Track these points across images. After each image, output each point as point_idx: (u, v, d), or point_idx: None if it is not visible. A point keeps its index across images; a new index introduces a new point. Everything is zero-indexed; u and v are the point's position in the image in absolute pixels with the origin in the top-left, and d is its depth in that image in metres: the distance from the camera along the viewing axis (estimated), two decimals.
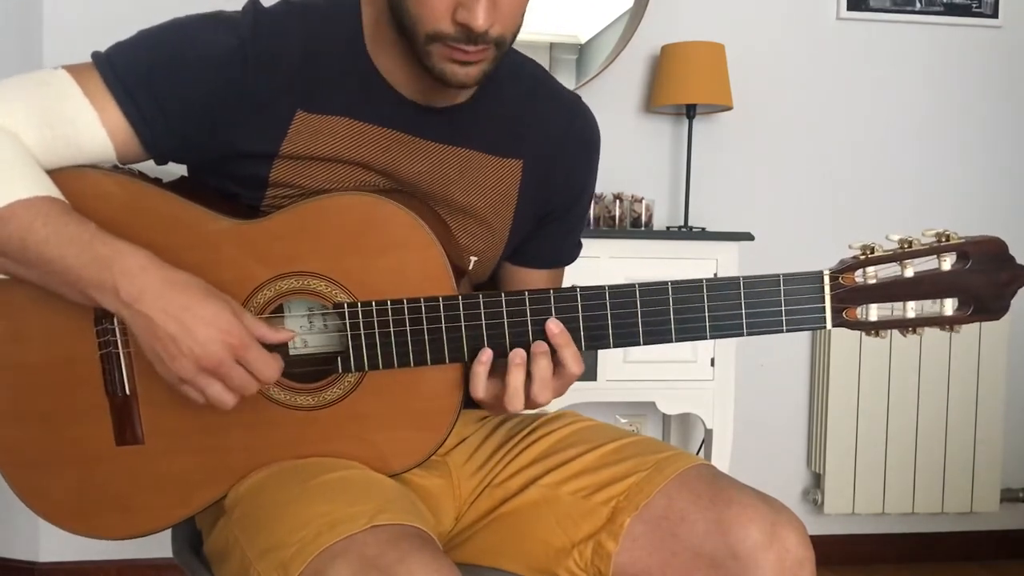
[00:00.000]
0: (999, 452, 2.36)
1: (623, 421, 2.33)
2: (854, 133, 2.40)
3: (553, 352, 0.89)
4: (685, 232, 2.14)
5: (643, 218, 2.17)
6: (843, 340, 2.31)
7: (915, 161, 2.42)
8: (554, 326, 0.88)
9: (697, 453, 2.15)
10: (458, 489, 1.02)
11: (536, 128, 1.02)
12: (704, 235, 2.10)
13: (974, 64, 2.43)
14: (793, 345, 2.41)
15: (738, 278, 0.86)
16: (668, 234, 2.14)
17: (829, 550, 2.35)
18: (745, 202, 2.36)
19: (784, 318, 0.86)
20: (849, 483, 2.33)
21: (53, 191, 0.86)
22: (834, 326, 0.85)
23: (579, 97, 1.08)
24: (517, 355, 0.89)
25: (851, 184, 2.40)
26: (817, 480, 2.41)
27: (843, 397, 2.32)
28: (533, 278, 1.10)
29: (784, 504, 0.91)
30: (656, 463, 0.95)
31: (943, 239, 0.82)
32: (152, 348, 0.84)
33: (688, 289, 0.86)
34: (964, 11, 2.40)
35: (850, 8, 2.36)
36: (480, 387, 0.90)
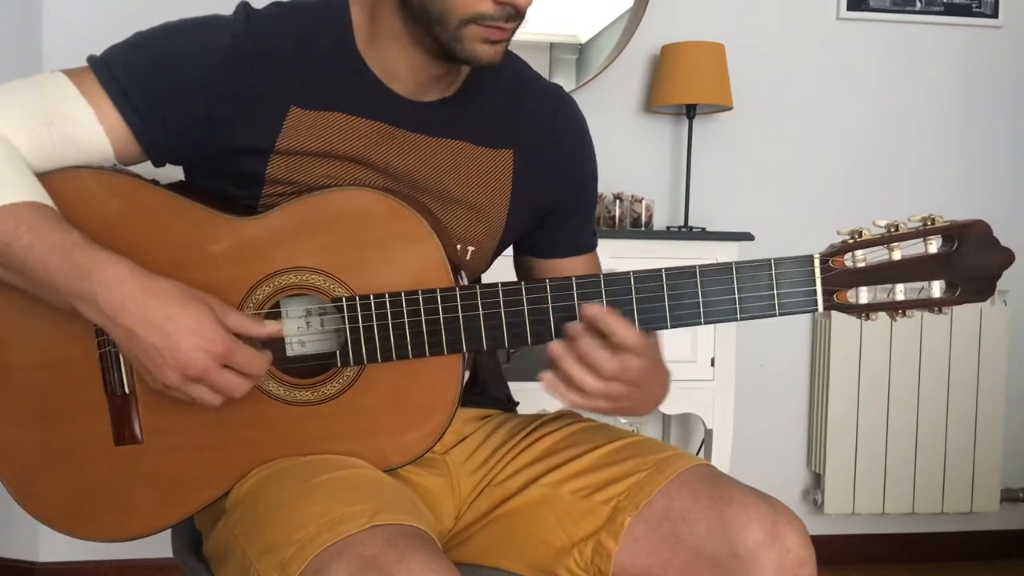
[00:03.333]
0: (999, 452, 2.36)
1: (623, 421, 2.33)
2: (854, 133, 2.40)
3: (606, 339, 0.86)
4: (685, 232, 2.14)
5: (643, 218, 2.17)
6: (843, 340, 2.31)
7: (915, 161, 2.42)
8: (589, 310, 0.86)
9: (697, 453, 2.16)
10: (457, 488, 1.02)
11: (524, 118, 1.04)
12: (704, 235, 2.10)
13: (974, 64, 2.43)
14: (793, 345, 2.42)
15: (731, 263, 0.87)
16: (668, 234, 2.14)
17: (829, 550, 2.34)
18: (745, 202, 2.36)
19: (776, 301, 0.86)
20: (849, 483, 2.33)
21: (42, 197, 0.86)
22: (825, 309, 0.86)
23: (561, 88, 1.11)
24: (556, 347, 0.87)
25: (851, 184, 2.40)
26: (817, 480, 2.41)
27: (843, 397, 2.32)
28: (570, 267, 1.12)
29: (784, 504, 0.91)
30: (656, 463, 0.95)
31: (929, 223, 0.84)
32: (136, 358, 0.85)
33: (681, 275, 0.87)
34: (964, 11, 2.40)
35: (850, 8, 2.36)
36: (564, 396, 0.88)
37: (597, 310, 0.86)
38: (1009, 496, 2.42)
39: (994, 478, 2.36)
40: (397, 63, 0.95)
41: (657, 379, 0.93)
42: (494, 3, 0.87)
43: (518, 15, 0.89)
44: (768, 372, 2.40)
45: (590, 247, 1.15)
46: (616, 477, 0.95)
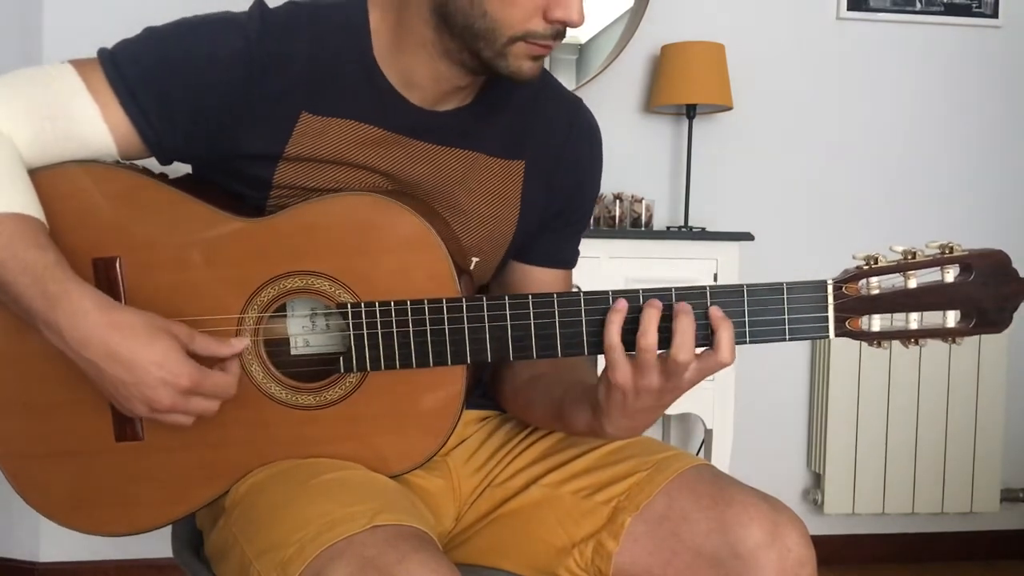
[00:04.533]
0: (999, 452, 2.36)
1: None
2: (854, 133, 2.40)
3: (712, 333, 0.83)
4: (685, 232, 2.14)
5: (643, 218, 2.17)
6: (843, 340, 2.30)
7: (914, 160, 2.42)
8: (716, 311, 0.83)
9: (697, 453, 2.16)
10: (458, 489, 1.02)
11: (538, 129, 1.03)
12: (704, 235, 2.10)
13: (974, 64, 2.43)
14: (793, 346, 2.41)
15: (742, 286, 0.85)
16: (668, 234, 2.14)
17: (829, 550, 2.34)
18: (745, 202, 2.36)
19: (787, 327, 0.85)
20: (849, 483, 2.33)
21: (30, 208, 0.85)
22: (837, 336, 0.84)
23: (580, 99, 1.08)
24: (652, 304, 0.83)
25: (851, 184, 2.40)
26: (817, 480, 2.41)
27: (843, 397, 2.32)
28: (544, 278, 1.09)
29: (785, 504, 0.91)
30: (656, 463, 0.95)
31: (946, 251, 0.82)
32: (105, 390, 0.85)
33: (691, 295, 0.85)
34: (964, 11, 2.40)
35: (850, 8, 2.36)
36: (614, 332, 0.83)
37: (721, 313, 0.83)
38: (1009, 496, 2.42)
39: (994, 478, 2.36)
40: (419, 72, 0.93)
41: (655, 411, 0.89)
42: (545, 21, 0.86)
43: (565, 32, 0.88)
44: (768, 372, 2.40)
45: (570, 263, 1.11)
46: (616, 477, 0.95)
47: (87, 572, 2.17)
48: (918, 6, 2.38)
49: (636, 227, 2.17)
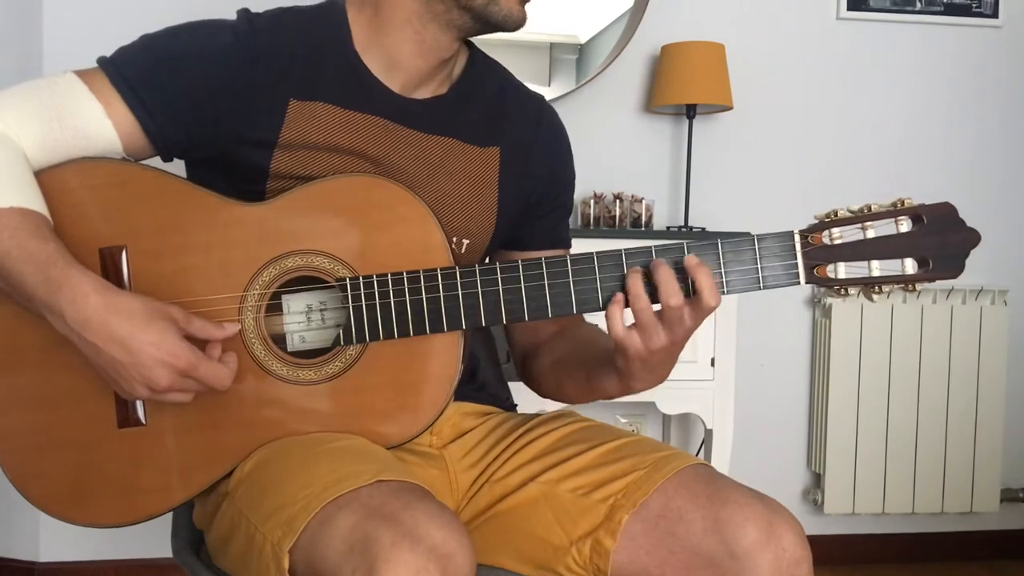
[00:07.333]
0: (999, 452, 2.36)
1: (623, 421, 2.34)
2: (854, 133, 2.40)
3: (693, 284, 0.89)
4: (685, 232, 2.14)
5: (643, 218, 2.17)
6: (843, 340, 2.32)
7: (914, 160, 2.42)
8: (691, 259, 0.89)
9: (697, 453, 2.16)
10: (455, 483, 1.03)
11: (509, 119, 1.10)
12: (704, 235, 2.10)
13: (974, 64, 2.43)
14: (793, 345, 2.42)
15: (716, 240, 0.92)
16: (668, 234, 2.14)
17: (829, 550, 2.35)
18: (745, 202, 2.36)
19: (760, 275, 0.91)
20: (849, 483, 2.34)
21: (32, 203, 0.89)
22: (807, 282, 0.90)
23: (543, 96, 1.17)
24: (635, 271, 0.89)
25: (851, 184, 2.40)
26: (817, 480, 2.41)
27: (843, 397, 2.32)
28: None
29: (781, 503, 0.91)
30: (654, 462, 0.95)
31: (899, 204, 0.90)
32: (105, 371, 0.88)
33: (670, 251, 0.91)
34: (964, 11, 2.40)
35: (850, 8, 2.36)
36: (619, 325, 0.90)
37: (696, 260, 0.89)
38: (1009, 496, 2.42)
39: (994, 478, 2.36)
40: (404, 51, 1.00)
41: (672, 358, 0.95)
42: None
43: None
44: (768, 372, 2.40)
45: (566, 243, 1.19)
46: (614, 475, 0.95)
47: (87, 572, 2.17)
48: (918, 6, 2.39)
49: (636, 227, 2.17)
